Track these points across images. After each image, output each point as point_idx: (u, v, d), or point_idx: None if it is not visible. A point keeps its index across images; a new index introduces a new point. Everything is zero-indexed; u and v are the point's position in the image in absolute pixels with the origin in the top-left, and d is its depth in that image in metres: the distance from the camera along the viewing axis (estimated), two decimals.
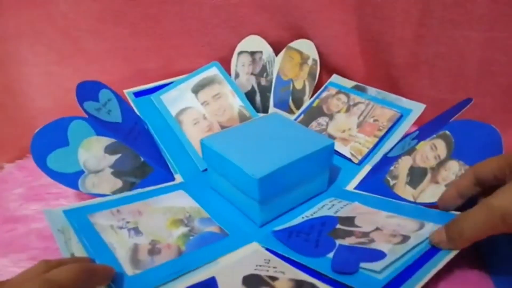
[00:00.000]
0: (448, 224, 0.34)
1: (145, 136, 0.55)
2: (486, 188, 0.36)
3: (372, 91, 0.59)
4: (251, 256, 0.38)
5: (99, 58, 0.61)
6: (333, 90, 0.62)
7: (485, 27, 0.53)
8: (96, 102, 0.52)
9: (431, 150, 0.44)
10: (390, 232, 0.36)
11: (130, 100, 0.59)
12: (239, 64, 0.66)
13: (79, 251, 0.36)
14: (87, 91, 0.51)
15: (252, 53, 0.66)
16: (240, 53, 0.66)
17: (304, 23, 0.64)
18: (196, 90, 0.61)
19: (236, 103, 0.62)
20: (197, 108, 0.59)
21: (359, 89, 0.60)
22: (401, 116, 0.54)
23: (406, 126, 0.52)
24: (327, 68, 0.66)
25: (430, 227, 0.35)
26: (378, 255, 0.33)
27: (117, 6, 0.58)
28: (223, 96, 0.62)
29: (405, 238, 0.35)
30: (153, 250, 0.37)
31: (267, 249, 0.39)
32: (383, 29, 0.60)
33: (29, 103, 0.59)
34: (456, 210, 0.38)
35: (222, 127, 0.58)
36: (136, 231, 0.40)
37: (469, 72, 0.56)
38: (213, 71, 0.63)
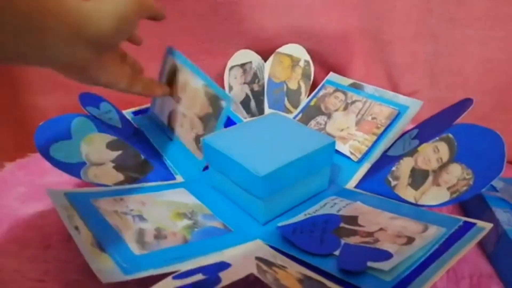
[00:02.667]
0: None
1: (144, 141, 0.56)
2: None
3: (369, 88, 0.59)
4: (257, 250, 0.38)
5: None
6: (330, 89, 0.62)
7: (485, 25, 0.53)
8: (97, 109, 0.54)
9: (433, 153, 0.44)
10: (395, 233, 0.36)
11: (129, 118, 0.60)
12: (231, 77, 0.68)
13: (83, 227, 0.34)
14: (89, 99, 0.54)
15: (242, 65, 0.68)
16: (231, 68, 0.68)
17: (304, 21, 0.64)
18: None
19: (199, 85, 0.53)
20: (176, 108, 0.56)
21: (356, 87, 0.60)
22: (399, 113, 0.54)
23: (404, 123, 0.53)
24: (326, 67, 0.66)
25: (434, 230, 0.35)
26: (385, 255, 0.33)
27: None
28: (187, 83, 0.54)
29: (410, 240, 0.35)
30: (159, 235, 0.37)
31: (271, 247, 0.39)
32: (383, 29, 0.60)
33: (29, 103, 0.58)
34: (460, 214, 0.38)
35: (200, 118, 0.53)
36: (141, 218, 0.39)
37: (469, 70, 0.57)
38: (170, 60, 0.56)
